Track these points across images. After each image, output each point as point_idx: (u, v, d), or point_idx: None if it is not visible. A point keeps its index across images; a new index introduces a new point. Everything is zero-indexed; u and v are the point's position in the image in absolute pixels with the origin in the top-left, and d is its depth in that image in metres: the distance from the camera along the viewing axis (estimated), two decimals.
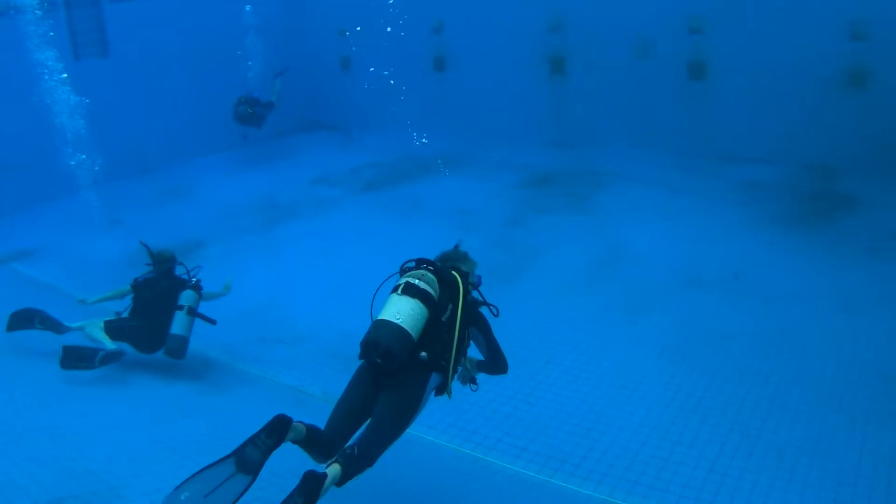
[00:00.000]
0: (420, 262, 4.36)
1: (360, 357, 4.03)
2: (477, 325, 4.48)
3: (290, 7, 16.55)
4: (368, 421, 3.98)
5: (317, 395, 6.70)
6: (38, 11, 11.10)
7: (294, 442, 3.67)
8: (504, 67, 14.78)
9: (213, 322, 6.95)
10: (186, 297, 6.84)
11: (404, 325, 3.92)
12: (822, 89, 11.71)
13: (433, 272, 4.25)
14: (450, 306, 4.22)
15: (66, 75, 11.18)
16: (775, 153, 12.31)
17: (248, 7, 14.56)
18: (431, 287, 4.14)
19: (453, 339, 4.13)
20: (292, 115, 16.54)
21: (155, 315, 6.76)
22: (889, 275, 8.18)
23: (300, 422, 3.67)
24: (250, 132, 14.26)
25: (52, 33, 11.22)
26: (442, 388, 4.24)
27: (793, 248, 9.09)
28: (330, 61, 16.97)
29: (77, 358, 6.38)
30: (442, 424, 6.02)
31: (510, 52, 14.59)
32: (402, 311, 3.97)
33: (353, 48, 15.73)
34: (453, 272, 4.35)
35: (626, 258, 9.25)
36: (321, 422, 3.92)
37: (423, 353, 4.00)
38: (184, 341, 6.72)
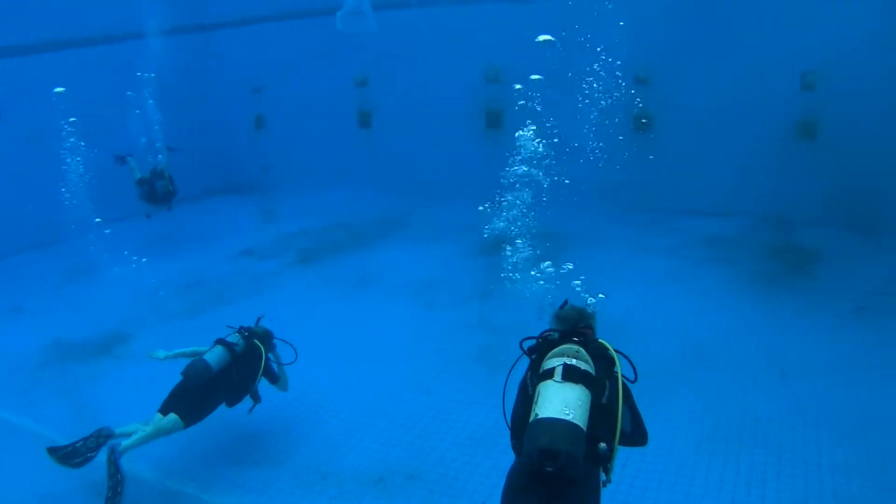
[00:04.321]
0: (566, 335, 3.99)
1: (528, 467, 3.50)
2: (626, 397, 3.95)
3: (198, 64, 16.00)
4: None
5: None
6: None
7: None
8: (437, 121, 14.80)
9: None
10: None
11: (577, 421, 3.47)
12: (774, 140, 12.41)
13: (583, 344, 3.88)
14: (607, 384, 3.82)
15: None
16: (729, 205, 12.90)
17: (150, 74, 13.88)
18: (589, 365, 3.76)
19: (616, 423, 3.67)
20: (203, 179, 15.90)
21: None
22: (883, 337, 8.60)
23: None
24: (156, 210, 13.33)
25: None
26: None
27: (785, 311, 9.42)
28: (243, 120, 16.49)
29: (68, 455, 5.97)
30: None
31: (443, 104, 14.64)
32: (569, 404, 3.53)
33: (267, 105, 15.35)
34: (601, 341, 4.01)
35: (621, 331, 9.29)
36: None
37: (603, 445, 3.56)
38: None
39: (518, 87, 9.82)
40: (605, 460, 3.68)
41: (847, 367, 7.99)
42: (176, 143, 13.90)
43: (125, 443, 6.12)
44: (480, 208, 10.01)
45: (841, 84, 11.76)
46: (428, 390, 8.06)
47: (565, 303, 4.49)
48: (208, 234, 14.23)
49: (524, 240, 12.73)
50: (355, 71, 15.24)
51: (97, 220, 11.63)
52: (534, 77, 9.98)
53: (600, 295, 6.79)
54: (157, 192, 12.93)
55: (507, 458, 6.34)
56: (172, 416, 6.34)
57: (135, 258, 12.54)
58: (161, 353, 6.91)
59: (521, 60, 13.69)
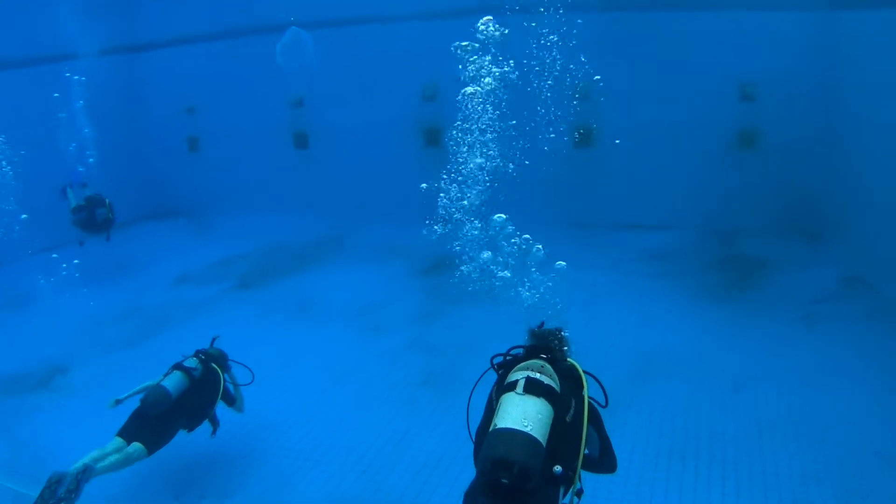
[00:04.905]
0: (531, 351, 3.97)
1: (482, 477, 3.46)
2: (593, 420, 3.94)
3: (130, 85, 15.55)
4: None
5: None
6: None
7: None
8: (374, 140, 14.60)
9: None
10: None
11: (535, 434, 3.43)
12: (714, 152, 12.53)
13: (550, 361, 3.84)
14: (573, 402, 3.78)
15: None
16: (671, 218, 12.94)
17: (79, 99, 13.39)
18: (553, 381, 3.71)
19: (581, 442, 3.64)
20: (136, 203, 15.38)
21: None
22: (833, 342, 8.66)
23: None
24: (91, 238, 12.63)
25: None
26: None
27: (734, 322, 9.42)
28: (177, 142, 16.05)
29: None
30: None
31: (381, 123, 14.45)
32: (529, 416, 3.49)
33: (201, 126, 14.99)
34: (570, 361, 4.00)
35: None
36: None
37: (558, 468, 3.50)
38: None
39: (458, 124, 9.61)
40: (566, 481, 3.61)
41: (800, 375, 7.99)
42: (87, 178, 13.23)
43: (100, 467, 5.89)
44: (425, 232, 9.85)
45: (779, 94, 11.95)
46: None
47: (542, 323, 4.46)
48: (143, 261, 13.72)
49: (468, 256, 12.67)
50: (291, 91, 14.95)
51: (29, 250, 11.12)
52: (469, 91, 9.80)
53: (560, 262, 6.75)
54: (97, 219, 12.27)
55: (462, 484, 6.14)
56: (137, 445, 6.16)
57: (69, 287, 12.06)
58: (113, 401, 6.56)
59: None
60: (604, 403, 4.03)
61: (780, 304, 9.91)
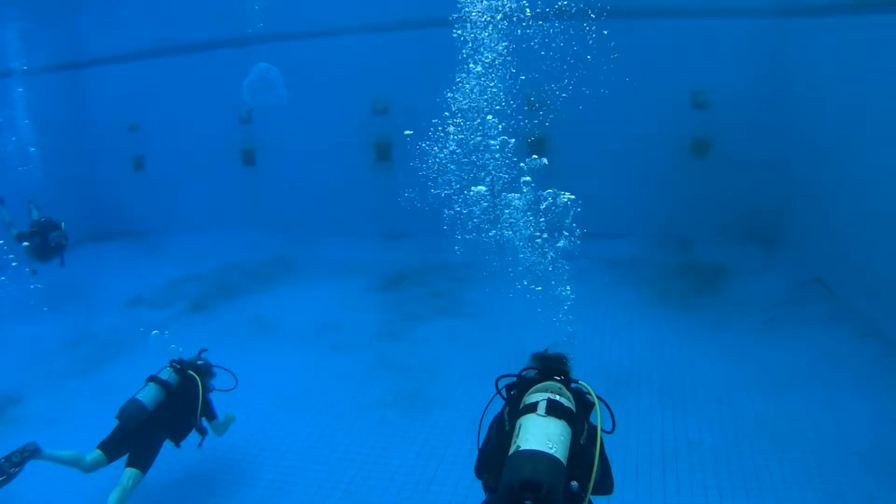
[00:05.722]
0: (545, 373, 4.09)
1: (506, 498, 3.47)
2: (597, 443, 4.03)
3: (73, 103, 15.16)
4: None
5: None
6: None
7: None
8: (324, 156, 14.47)
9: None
10: None
11: (558, 456, 3.50)
12: (669, 159, 12.71)
13: (564, 383, 3.96)
14: (585, 426, 3.87)
15: None
16: (628, 226, 13.10)
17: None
18: (571, 403, 3.81)
19: (593, 465, 3.70)
20: (81, 224, 14.92)
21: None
22: (798, 345, 8.84)
23: None
24: (45, 266, 12.03)
25: None
26: None
27: (699, 330, 9.54)
28: (122, 160, 15.66)
29: None
30: None
31: (330, 138, 14.33)
32: (552, 437, 3.57)
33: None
34: (583, 386, 4.10)
35: None
36: None
37: (574, 483, 3.56)
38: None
39: (408, 132, 9.55)
40: (579, 500, 3.66)
41: (770, 380, 8.12)
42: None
43: (49, 452, 6.04)
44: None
45: (732, 101, 12.19)
46: None
47: (546, 349, 4.59)
48: (92, 284, 13.26)
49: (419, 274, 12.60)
50: (238, 107, 14.72)
51: None
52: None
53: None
54: (50, 244, 11.76)
55: None
56: (130, 471, 6.12)
57: (15, 313, 11.60)
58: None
59: (410, 90, 13.67)
60: (610, 430, 4.11)
61: (742, 309, 10.08)
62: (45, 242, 11.64)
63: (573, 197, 8.24)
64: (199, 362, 7.09)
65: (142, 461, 6.24)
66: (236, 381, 7.18)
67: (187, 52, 14.22)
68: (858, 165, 9.50)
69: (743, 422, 7.34)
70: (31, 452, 5.99)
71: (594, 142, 12.94)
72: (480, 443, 4.24)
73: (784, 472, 6.49)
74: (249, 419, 8.02)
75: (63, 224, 11.97)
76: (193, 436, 6.84)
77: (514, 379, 4.28)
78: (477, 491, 6.50)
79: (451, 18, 9.63)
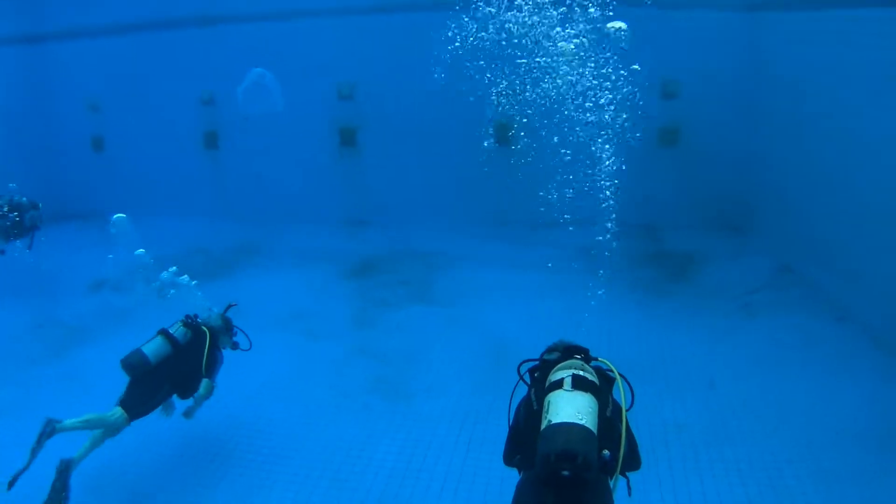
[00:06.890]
0: (566, 353, 4.24)
1: (544, 471, 3.56)
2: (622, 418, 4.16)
3: (30, 79, 14.65)
4: None
5: None
6: None
7: None
8: (288, 140, 14.27)
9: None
10: None
11: (590, 426, 3.62)
12: (638, 147, 12.81)
13: (586, 361, 4.13)
14: (610, 399, 4.02)
15: None
16: (591, 215, 13.16)
17: None
18: (595, 378, 3.96)
19: (622, 435, 3.86)
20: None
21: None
22: (774, 330, 9.03)
23: None
24: (9, 246, 11.49)
25: None
26: None
27: (673, 317, 9.74)
28: (81, 140, 15.19)
29: None
30: None
31: (295, 122, 14.13)
32: (582, 410, 3.70)
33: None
34: (603, 363, 4.29)
35: (515, 353, 9.15)
36: None
37: (606, 452, 3.70)
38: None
39: None
40: (610, 469, 3.80)
41: (750, 364, 8.28)
42: None
43: (76, 455, 5.82)
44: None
45: (701, 91, 12.35)
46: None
47: (561, 340, 4.63)
48: (54, 267, 12.75)
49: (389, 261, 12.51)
50: (200, 89, 14.40)
51: None
52: None
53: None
54: (25, 224, 11.32)
55: (433, 491, 5.98)
56: (117, 409, 6.15)
57: None
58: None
59: (376, 75, 13.58)
60: (628, 407, 4.19)
61: (716, 295, 10.27)
62: (22, 222, 11.23)
63: None
64: (218, 322, 7.21)
65: (132, 408, 6.23)
66: (251, 343, 7.40)
67: (150, 29, 13.86)
68: (826, 155, 9.73)
69: (729, 404, 7.47)
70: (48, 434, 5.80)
71: (563, 127, 12.95)
72: (510, 426, 4.33)
73: (775, 451, 6.62)
74: (229, 406, 7.87)
75: (40, 204, 11.57)
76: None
77: (537, 362, 4.40)
78: (467, 477, 6.57)
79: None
